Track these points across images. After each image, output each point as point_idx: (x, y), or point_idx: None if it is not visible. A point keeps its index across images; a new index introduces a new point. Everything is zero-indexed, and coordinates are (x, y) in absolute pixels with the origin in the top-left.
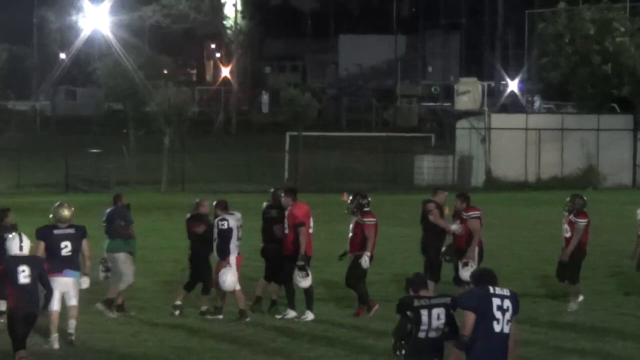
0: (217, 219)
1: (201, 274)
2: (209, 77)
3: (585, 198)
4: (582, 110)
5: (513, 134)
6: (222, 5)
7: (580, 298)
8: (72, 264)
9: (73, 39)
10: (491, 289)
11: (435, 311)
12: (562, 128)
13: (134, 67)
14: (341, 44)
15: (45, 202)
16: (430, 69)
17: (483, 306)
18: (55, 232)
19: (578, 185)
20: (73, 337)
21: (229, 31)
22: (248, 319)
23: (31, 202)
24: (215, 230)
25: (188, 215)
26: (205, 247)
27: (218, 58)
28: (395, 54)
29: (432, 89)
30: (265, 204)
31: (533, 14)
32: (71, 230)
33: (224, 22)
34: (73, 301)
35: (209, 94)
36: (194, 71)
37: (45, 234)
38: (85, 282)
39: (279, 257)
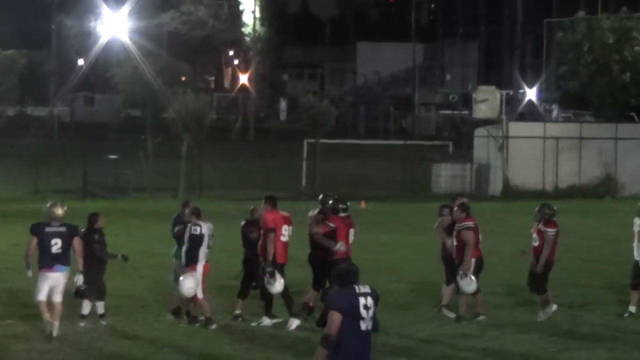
0: (190, 224)
1: (254, 279)
2: (227, 84)
3: (555, 208)
4: (601, 119)
5: (531, 143)
6: (240, 13)
7: (554, 307)
8: (62, 260)
9: (91, 45)
10: (357, 289)
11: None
12: (580, 137)
13: (152, 73)
14: (359, 52)
15: None
16: (448, 77)
17: (352, 307)
18: (47, 229)
19: (596, 194)
20: (53, 332)
21: (247, 38)
22: (214, 327)
23: None
24: (187, 235)
25: (243, 222)
26: (257, 253)
27: (236, 65)
28: (413, 62)
29: (450, 97)
30: (312, 211)
31: (552, 22)
32: (62, 229)
33: (243, 30)
34: (58, 297)
35: (227, 101)
36: (212, 78)
37: (37, 230)
38: (80, 279)
39: (324, 263)
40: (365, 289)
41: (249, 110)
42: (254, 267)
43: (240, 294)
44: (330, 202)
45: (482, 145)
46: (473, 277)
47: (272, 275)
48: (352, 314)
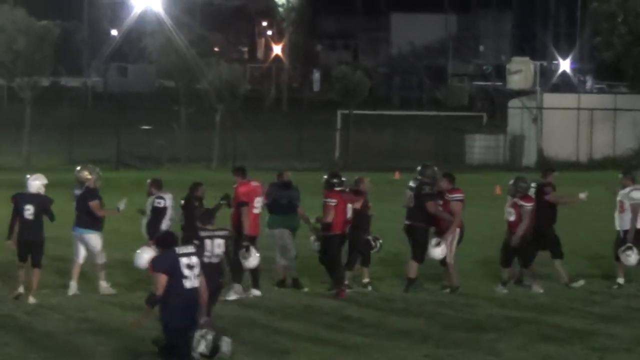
0: (153, 197)
1: (360, 248)
2: (260, 54)
3: (528, 182)
4: (635, 90)
5: (565, 114)
6: None
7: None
8: (79, 220)
9: (124, 16)
10: (178, 250)
11: (216, 241)
12: (615, 108)
13: (185, 44)
14: (393, 22)
15: None
16: (482, 47)
17: (173, 267)
18: (74, 192)
19: (630, 165)
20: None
21: (280, 8)
22: None
23: None
24: (149, 208)
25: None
26: (361, 222)
27: (269, 35)
28: (447, 32)
29: (484, 68)
30: (412, 182)
31: None
32: (77, 192)
33: (276, 0)
34: (98, 259)
35: (261, 72)
36: (246, 49)
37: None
38: (123, 203)
39: (424, 235)
40: (188, 249)
41: (282, 81)
42: (359, 236)
43: (347, 265)
44: (326, 178)
45: (516, 117)
46: (443, 245)
47: (248, 249)
48: (174, 274)
